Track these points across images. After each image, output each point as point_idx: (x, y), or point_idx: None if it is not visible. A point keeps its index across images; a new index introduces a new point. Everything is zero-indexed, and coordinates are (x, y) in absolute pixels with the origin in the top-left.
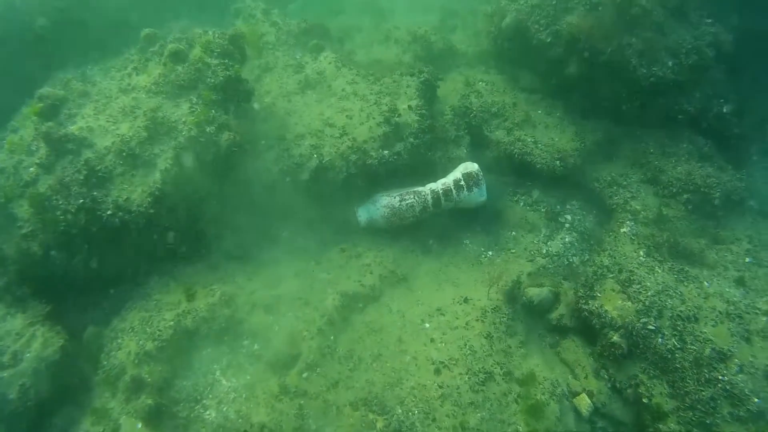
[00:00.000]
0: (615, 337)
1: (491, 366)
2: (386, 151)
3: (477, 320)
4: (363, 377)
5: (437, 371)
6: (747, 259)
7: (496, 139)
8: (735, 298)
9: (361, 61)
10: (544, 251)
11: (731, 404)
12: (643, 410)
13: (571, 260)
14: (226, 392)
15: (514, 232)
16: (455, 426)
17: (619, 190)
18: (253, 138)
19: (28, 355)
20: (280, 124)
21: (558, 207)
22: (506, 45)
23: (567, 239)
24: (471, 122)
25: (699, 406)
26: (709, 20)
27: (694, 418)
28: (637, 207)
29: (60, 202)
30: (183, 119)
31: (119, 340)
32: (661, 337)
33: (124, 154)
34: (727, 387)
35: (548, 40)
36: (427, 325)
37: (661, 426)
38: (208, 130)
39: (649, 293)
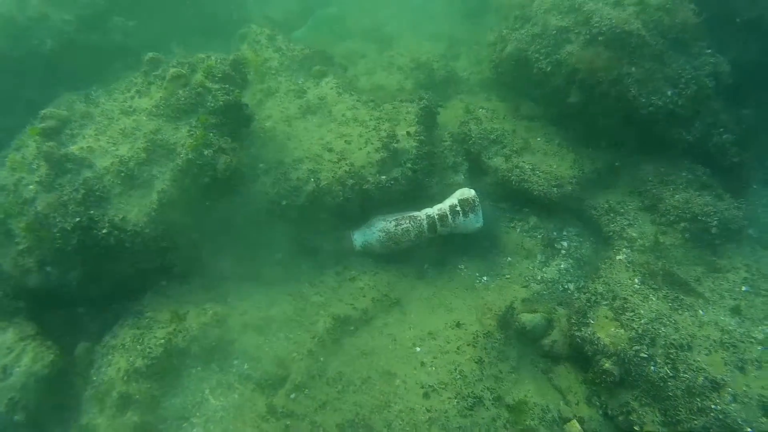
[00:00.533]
0: (607, 365)
1: (481, 391)
2: (383, 177)
3: (469, 345)
4: (351, 399)
5: (426, 395)
6: (744, 288)
7: (495, 165)
8: (730, 327)
9: (364, 87)
10: (539, 277)
11: None
12: None
13: (566, 287)
14: (214, 411)
15: (509, 258)
16: None
17: (617, 217)
18: (251, 161)
19: (17, 369)
20: (280, 148)
21: (555, 233)
22: (507, 73)
23: (563, 266)
24: (470, 149)
25: None
26: (709, 50)
27: None
28: (634, 234)
29: (57, 220)
30: (182, 142)
31: (110, 357)
32: (654, 365)
33: (122, 174)
34: (720, 416)
35: (548, 69)
36: (418, 349)
37: None
38: (205, 153)
39: (642, 321)
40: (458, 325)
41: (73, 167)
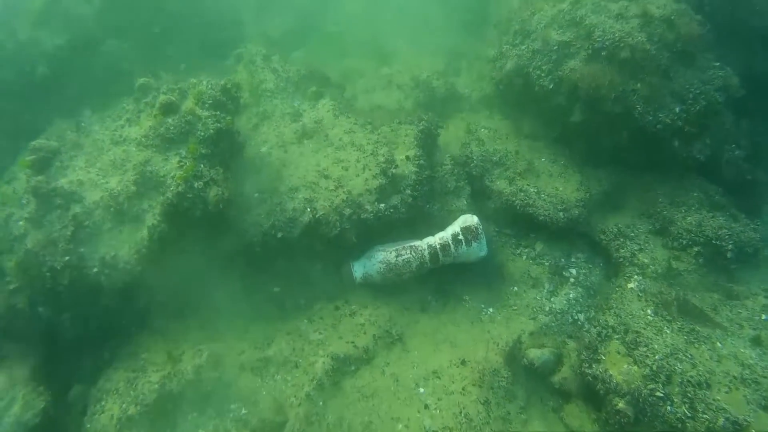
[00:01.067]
0: (621, 404)
1: None
2: (382, 205)
3: (474, 385)
4: None
5: None
6: (764, 317)
7: (498, 189)
8: (751, 361)
9: (362, 108)
10: (547, 308)
11: None
12: None
13: (576, 317)
14: None
15: (516, 288)
16: None
17: (626, 242)
18: (246, 190)
19: (6, 420)
20: (275, 176)
21: (562, 260)
22: (508, 91)
23: (572, 295)
24: (472, 172)
25: None
26: (717, 63)
27: None
28: (645, 260)
29: (46, 259)
30: (171, 174)
31: (103, 402)
32: (670, 405)
33: (112, 209)
34: None
35: (550, 86)
36: (422, 389)
37: None
38: (195, 185)
39: (656, 357)
40: (463, 362)
41: (62, 202)
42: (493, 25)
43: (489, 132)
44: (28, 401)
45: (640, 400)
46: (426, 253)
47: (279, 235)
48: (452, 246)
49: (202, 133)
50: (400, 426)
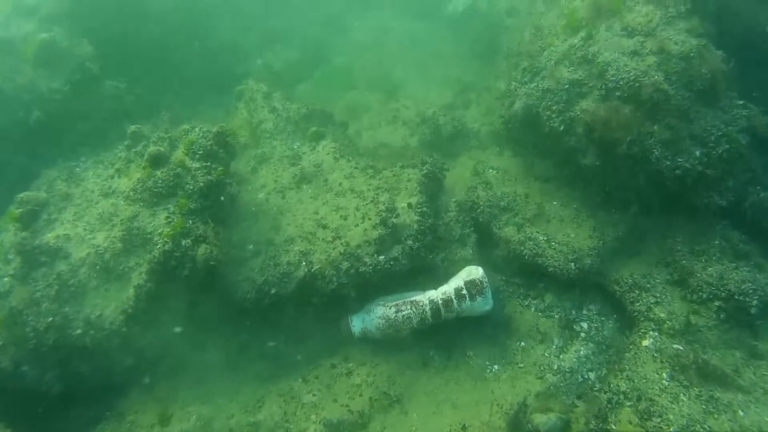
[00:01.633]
0: None
1: None
2: (382, 257)
3: None
4: None
5: None
6: None
7: (506, 236)
8: None
9: (366, 145)
10: (556, 366)
11: None
12: None
13: (586, 376)
14: None
15: (523, 343)
16: None
17: (642, 294)
18: (240, 241)
19: None
20: (271, 225)
21: (573, 313)
22: (517, 130)
23: (582, 352)
24: (478, 218)
25: None
26: (741, 102)
27: None
28: (662, 315)
29: (30, 318)
30: (159, 230)
31: None
32: None
33: (97, 267)
34: None
35: (561, 128)
36: None
37: None
38: (183, 243)
39: (672, 429)
40: (464, 428)
41: (47, 260)
42: (504, 54)
43: (497, 173)
44: None
45: None
46: (427, 308)
47: (272, 291)
48: (455, 301)
49: (191, 187)
50: None
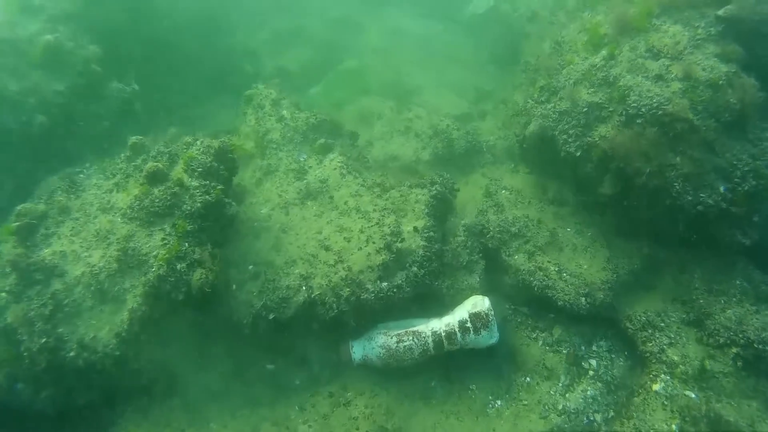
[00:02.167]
0: None
1: None
2: (384, 284)
3: None
4: None
5: None
6: None
7: (515, 265)
8: None
9: (377, 157)
10: (561, 406)
11: None
12: None
13: (591, 418)
14: None
15: (528, 378)
16: None
17: (655, 333)
18: (240, 258)
19: None
20: (273, 243)
21: (582, 348)
22: (532, 151)
23: (589, 392)
24: (487, 244)
25: None
26: None
27: None
28: (675, 358)
29: (23, 338)
30: (154, 252)
31: None
32: None
33: (92, 287)
34: None
35: (578, 153)
36: None
37: None
38: (178, 267)
39: None
40: None
41: (42, 277)
42: (521, 69)
43: (510, 194)
44: None
45: None
46: (430, 340)
47: (271, 316)
48: (459, 334)
49: (189, 208)
50: None
